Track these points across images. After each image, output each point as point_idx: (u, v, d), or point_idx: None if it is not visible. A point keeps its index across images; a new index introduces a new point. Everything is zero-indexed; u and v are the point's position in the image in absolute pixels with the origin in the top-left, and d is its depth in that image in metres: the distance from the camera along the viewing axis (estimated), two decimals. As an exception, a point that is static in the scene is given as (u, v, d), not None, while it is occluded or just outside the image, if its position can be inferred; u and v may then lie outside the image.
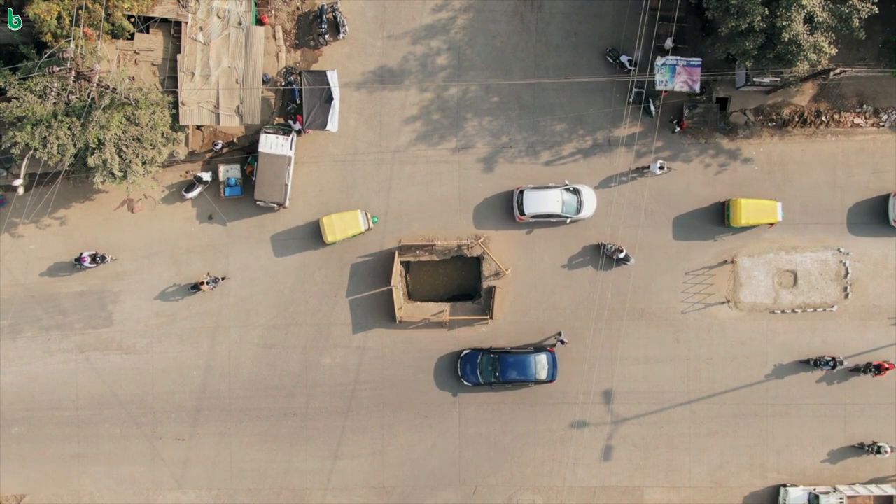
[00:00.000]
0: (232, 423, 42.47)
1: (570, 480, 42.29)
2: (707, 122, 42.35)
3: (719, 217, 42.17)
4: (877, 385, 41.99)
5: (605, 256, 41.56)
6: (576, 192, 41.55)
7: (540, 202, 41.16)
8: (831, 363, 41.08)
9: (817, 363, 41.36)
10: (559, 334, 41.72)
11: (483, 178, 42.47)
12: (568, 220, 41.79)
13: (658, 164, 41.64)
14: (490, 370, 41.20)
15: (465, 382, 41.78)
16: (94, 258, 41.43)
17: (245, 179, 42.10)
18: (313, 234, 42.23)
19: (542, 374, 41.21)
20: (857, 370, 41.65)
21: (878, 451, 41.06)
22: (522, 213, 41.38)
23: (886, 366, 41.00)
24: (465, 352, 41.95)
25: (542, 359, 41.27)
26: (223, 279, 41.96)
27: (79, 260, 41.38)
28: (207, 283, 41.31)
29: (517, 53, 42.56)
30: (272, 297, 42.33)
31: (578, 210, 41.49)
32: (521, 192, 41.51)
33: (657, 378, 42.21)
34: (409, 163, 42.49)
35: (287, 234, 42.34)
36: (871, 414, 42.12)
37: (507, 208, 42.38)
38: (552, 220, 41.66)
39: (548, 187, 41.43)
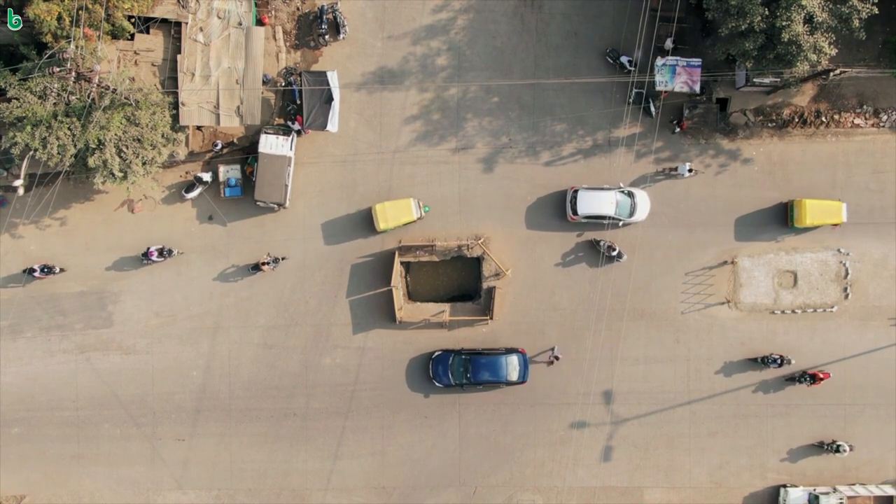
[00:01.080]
0: (232, 423, 42.48)
1: (570, 481, 42.30)
2: (707, 122, 42.35)
3: (782, 217, 42.10)
4: (877, 385, 41.99)
5: (602, 255, 41.53)
6: (630, 194, 41.35)
7: (594, 203, 40.85)
8: (778, 361, 41.06)
9: (765, 361, 41.34)
10: (553, 349, 41.64)
11: (483, 178, 42.47)
12: (620, 223, 41.57)
13: (687, 167, 41.48)
14: (461, 371, 41.12)
15: (437, 384, 41.70)
16: (161, 252, 41.31)
17: (245, 180, 42.11)
18: (313, 235, 42.24)
19: (514, 375, 41.12)
20: (792, 379, 41.66)
21: (837, 450, 41.02)
22: (575, 212, 41.04)
23: (821, 375, 40.96)
24: (436, 353, 41.89)
25: (513, 360, 41.18)
26: (283, 259, 41.74)
27: (146, 254, 41.28)
28: (268, 263, 41.20)
29: (517, 54, 42.58)
30: (272, 297, 42.34)
31: (631, 213, 41.24)
32: (576, 191, 41.21)
33: (657, 378, 42.21)
34: (410, 163, 42.50)
35: (287, 234, 42.31)
36: (871, 414, 42.12)
37: (506, 208, 42.36)
38: (604, 221, 41.40)
39: (602, 188, 41.22)
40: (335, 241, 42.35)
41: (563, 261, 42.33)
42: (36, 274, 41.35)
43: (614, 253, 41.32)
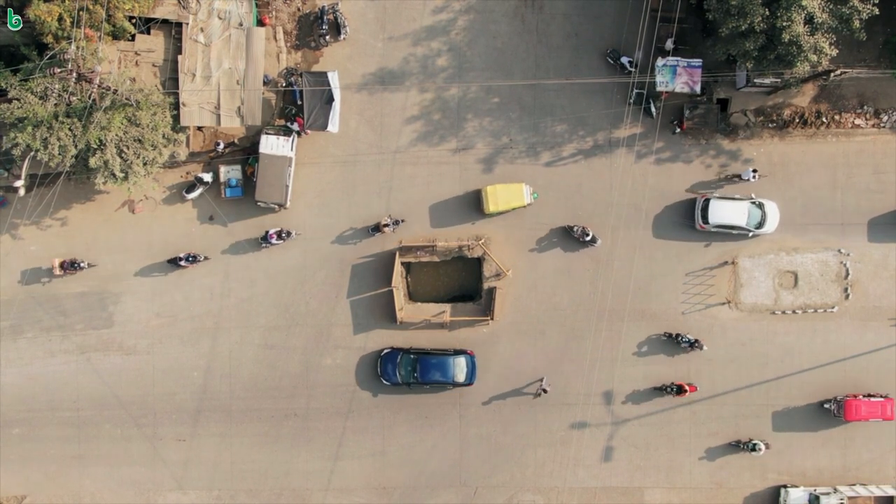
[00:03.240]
0: (233, 423, 42.48)
1: (570, 481, 42.31)
2: (708, 122, 42.36)
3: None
4: (877, 385, 42.00)
5: (577, 240, 41.49)
6: (760, 205, 41.32)
7: (726, 213, 40.88)
8: (689, 340, 41.03)
9: (678, 339, 41.28)
10: (541, 381, 41.51)
11: (484, 178, 42.46)
12: (749, 234, 41.57)
13: (751, 171, 41.39)
14: (409, 370, 41.13)
15: (385, 382, 41.68)
16: (279, 234, 41.33)
17: (246, 180, 42.11)
18: (313, 235, 42.25)
19: (461, 376, 41.10)
20: (660, 390, 41.69)
21: (753, 449, 41.07)
22: (706, 221, 41.07)
23: (687, 388, 40.99)
24: (385, 350, 41.87)
25: (460, 361, 41.17)
26: (402, 221, 41.68)
27: (266, 238, 41.30)
28: (387, 224, 41.20)
29: (518, 54, 42.58)
30: (273, 298, 42.35)
31: (761, 224, 41.26)
32: (707, 200, 41.19)
33: (658, 379, 42.19)
34: (410, 164, 42.51)
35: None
36: (871, 414, 42.23)
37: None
38: (733, 231, 41.40)
39: (734, 198, 41.20)
40: (336, 242, 42.36)
41: (563, 261, 42.32)
42: (274, 241, 41.28)
43: (588, 237, 41.29)
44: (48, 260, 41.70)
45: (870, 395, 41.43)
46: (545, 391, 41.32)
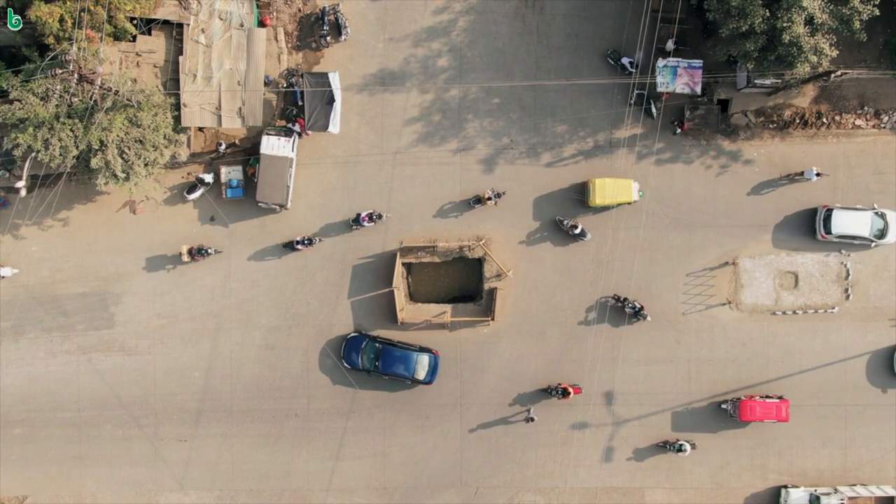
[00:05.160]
0: (234, 424, 42.53)
1: (571, 481, 42.35)
2: (708, 123, 42.39)
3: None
4: (876, 387, 42.06)
5: (566, 233, 41.55)
6: (882, 216, 41.37)
7: (849, 223, 40.93)
8: (635, 307, 41.08)
9: (624, 303, 41.31)
10: (529, 410, 41.45)
11: (484, 179, 42.51)
12: (872, 244, 41.60)
13: (814, 171, 41.28)
14: (371, 358, 41.21)
15: (345, 364, 41.70)
16: (371, 217, 41.36)
17: (247, 181, 42.16)
18: (314, 236, 42.27)
19: (421, 374, 41.19)
20: (547, 391, 41.72)
21: (680, 450, 41.08)
22: (828, 231, 41.07)
23: (571, 390, 41.03)
24: (351, 335, 41.92)
25: (423, 359, 41.25)
26: (504, 194, 41.56)
27: (357, 220, 41.38)
28: (490, 197, 41.22)
29: (518, 55, 42.62)
30: (274, 298, 42.39)
31: (882, 234, 41.30)
32: (830, 210, 41.19)
33: (658, 379, 42.26)
34: (411, 164, 42.55)
35: (289, 235, 42.35)
36: (872, 414, 42.19)
37: (507, 209, 42.36)
38: (854, 241, 41.44)
39: (856, 209, 41.23)
40: (337, 242, 42.40)
41: (564, 262, 42.35)
42: (366, 223, 41.35)
43: (577, 231, 41.35)
44: (175, 247, 41.71)
45: (767, 396, 41.39)
46: (532, 419, 41.35)
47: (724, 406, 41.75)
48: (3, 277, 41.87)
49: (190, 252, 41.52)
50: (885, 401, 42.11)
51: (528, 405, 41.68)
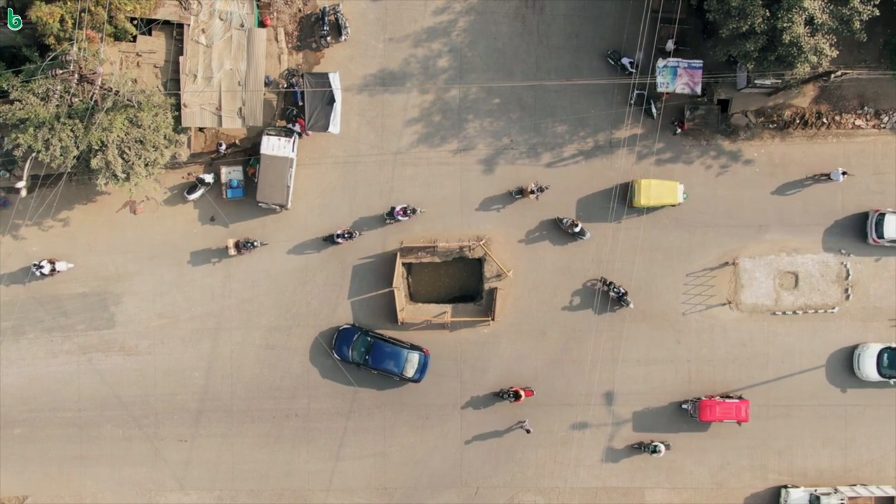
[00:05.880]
0: (234, 424, 42.55)
1: (571, 481, 42.37)
2: (708, 123, 42.41)
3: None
4: (879, 389, 42.08)
5: (566, 233, 41.55)
6: None
7: None
8: (620, 292, 41.02)
9: (609, 287, 41.22)
10: (524, 422, 41.48)
11: (484, 179, 42.53)
12: None
13: (840, 171, 41.24)
14: (362, 351, 41.22)
15: (335, 355, 41.71)
16: (405, 211, 41.38)
17: (247, 181, 42.17)
18: (314, 236, 42.30)
19: (410, 371, 41.20)
20: (499, 395, 41.80)
21: (655, 451, 41.07)
22: (881, 236, 40.97)
23: (522, 392, 41.04)
24: (343, 326, 41.91)
25: (413, 357, 41.25)
26: (548, 188, 41.43)
27: (391, 213, 41.40)
28: (533, 191, 41.16)
29: (518, 55, 42.63)
30: (274, 298, 42.41)
31: None
32: (882, 215, 41.12)
33: (658, 379, 42.27)
34: (411, 164, 42.57)
35: (289, 235, 42.38)
36: (871, 414, 42.22)
37: (508, 209, 42.38)
38: None
39: None
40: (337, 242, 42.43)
41: (564, 262, 42.36)
42: (400, 217, 41.19)
43: (577, 230, 41.35)
44: (223, 240, 41.80)
45: (727, 396, 41.38)
46: (528, 431, 41.38)
47: (684, 406, 41.76)
48: (59, 272, 41.71)
49: (237, 245, 41.52)
50: (885, 401, 42.11)
51: (522, 418, 41.72)
